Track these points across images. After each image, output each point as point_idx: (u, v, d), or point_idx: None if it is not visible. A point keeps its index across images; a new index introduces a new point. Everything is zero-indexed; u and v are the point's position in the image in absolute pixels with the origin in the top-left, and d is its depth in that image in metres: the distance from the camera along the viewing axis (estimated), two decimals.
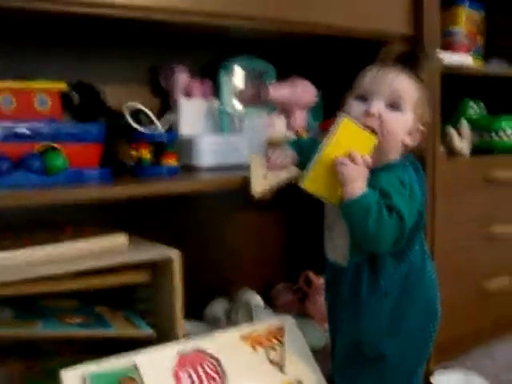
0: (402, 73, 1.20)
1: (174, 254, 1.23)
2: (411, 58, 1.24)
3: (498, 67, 2.11)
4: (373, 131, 1.16)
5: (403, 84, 1.19)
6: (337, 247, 1.24)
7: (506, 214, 1.93)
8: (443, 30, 1.93)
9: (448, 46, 1.97)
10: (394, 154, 1.20)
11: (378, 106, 1.18)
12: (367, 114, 1.17)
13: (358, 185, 1.11)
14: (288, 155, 1.30)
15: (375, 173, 1.16)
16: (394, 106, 1.18)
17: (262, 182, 1.25)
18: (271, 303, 1.70)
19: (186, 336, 1.25)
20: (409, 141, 1.21)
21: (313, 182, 1.15)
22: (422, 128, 1.22)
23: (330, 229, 1.26)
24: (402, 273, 1.19)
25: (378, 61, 1.26)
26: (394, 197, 1.12)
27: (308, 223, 1.90)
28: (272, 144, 1.43)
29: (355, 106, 1.20)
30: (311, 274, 1.70)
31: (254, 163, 1.28)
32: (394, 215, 1.10)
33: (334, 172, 1.13)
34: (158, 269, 1.27)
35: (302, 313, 1.66)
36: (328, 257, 1.28)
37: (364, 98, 1.20)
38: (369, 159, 1.14)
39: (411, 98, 1.19)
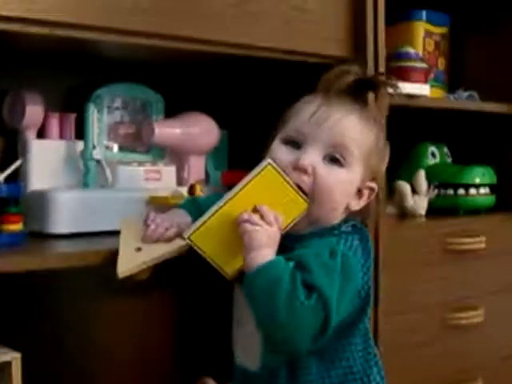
0: (351, 112, 1.23)
1: (14, 357, 1.25)
2: (366, 88, 1.29)
3: (466, 100, 2.20)
4: (303, 192, 1.20)
5: (351, 129, 1.22)
6: (247, 347, 1.26)
7: (473, 295, 2.03)
8: (392, 50, 2.01)
9: (399, 72, 2.05)
10: (330, 220, 1.24)
11: (312, 158, 1.20)
12: (296, 166, 1.20)
13: (266, 252, 1.13)
14: (176, 222, 1.30)
15: (299, 239, 1.19)
16: (336, 159, 1.21)
17: (131, 258, 1.27)
18: None
19: None
20: (354, 204, 1.26)
21: (203, 237, 1.16)
22: (372, 185, 1.27)
23: (239, 323, 1.28)
24: (333, 382, 1.21)
25: (318, 91, 1.30)
26: (315, 272, 1.12)
27: (207, 313, 1.93)
28: (155, 205, 1.47)
29: (282, 154, 1.23)
30: (211, 382, 1.72)
31: (126, 231, 1.31)
32: (313, 296, 1.10)
33: (236, 231, 1.15)
34: None
35: None
36: (236, 360, 1.30)
37: (295, 144, 1.23)
38: (280, 220, 1.17)
39: (361, 148, 1.23)
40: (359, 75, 1.30)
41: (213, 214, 1.16)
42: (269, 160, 1.19)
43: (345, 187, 1.22)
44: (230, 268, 1.17)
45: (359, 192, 1.26)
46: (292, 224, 1.21)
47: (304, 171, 1.19)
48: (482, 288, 2.06)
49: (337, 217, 1.25)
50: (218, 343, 1.89)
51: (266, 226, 1.14)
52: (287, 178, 1.19)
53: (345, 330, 1.20)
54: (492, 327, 2.07)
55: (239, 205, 1.16)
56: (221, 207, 1.16)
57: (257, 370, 1.23)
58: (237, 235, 1.15)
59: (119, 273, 1.24)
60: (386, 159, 1.31)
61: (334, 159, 1.21)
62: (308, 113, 1.24)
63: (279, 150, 1.23)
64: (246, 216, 1.15)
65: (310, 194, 1.20)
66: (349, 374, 1.22)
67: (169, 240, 1.29)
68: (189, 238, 1.17)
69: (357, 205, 1.26)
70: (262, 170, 1.18)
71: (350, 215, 1.28)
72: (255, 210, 1.15)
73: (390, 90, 1.35)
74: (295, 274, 1.11)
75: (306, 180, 1.20)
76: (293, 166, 1.20)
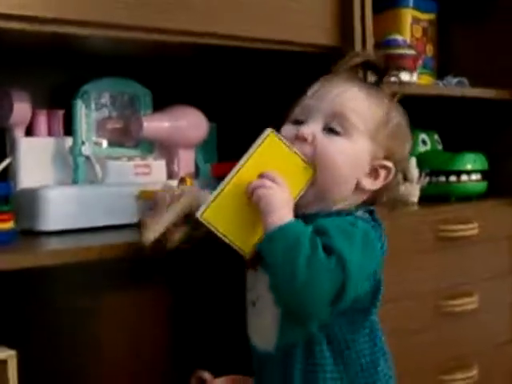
0: (355, 86, 1.26)
1: (9, 355, 1.26)
2: (378, 70, 1.33)
3: (455, 87, 2.22)
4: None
5: (352, 100, 1.24)
6: (262, 327, 1.28)
7: (466, 281, 2.06)
8: (380, 38, 2.02)
9: (386, 59, 2.06)
10: (342, 199, 1.25)
11: (312, 128, 1.23)
12: (296, 136, 1.23)
13: (284, 212, 1.14)
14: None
15: (310, 219, 1.18)
16: (333, 129, 1.23)
17: (154, 227, 1.28)
18: None
19: None
20: (367, 183, 1.26)
21: (215, 214, 1.16)
22: (386, 164, 1.26)
23: (254, 303, 1.30)
24: (347, 370, 1.22)
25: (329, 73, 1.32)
26: (334, 236, 1.12)
27: (201, 308, 1.94)
28: (145, 199, 1.48)
29: (287, 131, 1.25)
30: (206, 375, 1.73)
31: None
32: (332, 258, 1.09)
33: (249, 203, 1.16)
34: None
35: None
36: (252, 341, 1.32)
37: (300, 122, 1.26)
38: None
39: (366, 121, 1.24)
40: (367, 58, 1.35)
41: (222, 190, 1.16)
42: (270, 129, 1.20)
43: (348, 158, 1.23)
44: (245, 245, 1.17)
45: (375, 172, 1.26)
46: (301, 193, 1.21)
47: (304, 140, 1.22)
48: (476, 274, 2.08)
49: (345, 194, 1.25)
50: (213, 337, 1.92)
51: (279, 188, 1.16)
52: (290, 146, 1.21)
53: (358, 314, 1.21)
54: (486, 314, 2.10)
55: (246, 177, 1.17)
56: (228, 182, 1.17)
57: (272, 351, 1.25)
58: (249, 208, 1.16)
59: (144, 241, 1.27)
60: (407, 142, 1.31)
61: (331, 129, 1.23)
62: (312, 91, 1.27)
63: (285, 129, 1.26)
64: (258, 183, 1.16)
65: (313, 164, 1.21)
66: (358, 366, 1.23)
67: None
68: (201, 216, 1.16)
69: (371, 184, 1.26)
70: (264, 139, 1.19)
71: (367, 202, 1.28)
72: (262, 177, 1.17)
73: (393, 78, 1.37)
74: (314, 236, 1.11)
75: (307, 149, 1.22)
76: (294, 137, 1.23)
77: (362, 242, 1.14)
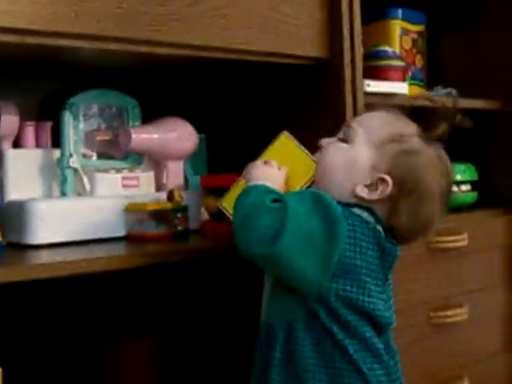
0: (388, 111, 1.37)
1: None
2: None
3: (444, 96, 2.22)
4: None
5: (367, 115, 1.38)
6: (263, 301, 1.34)
7: (457, 293, 2.06)
8: (369, 50, 2.03)
9: (375, 71, 2.07)
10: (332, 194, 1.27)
11: (330, 139, 1.36)
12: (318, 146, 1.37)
13: (262, 183, 1.28)
14: None
15: None
16: (342, 137, 1.35)
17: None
18: None
19: None
20: (363, 191, 1.28)
21: (230, 202, 1.33)
22: (385, 178, 1.27)
23: (264, 284, 1.35)
24: (321, 355, 1.24)
25: None
26: (289, 196, 1.25)
27: (194, 316, 1.94)
28: (133, 212, 1.48)
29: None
30: None
31: None
32: (278, 203, 1.21)
33: None
34: None
35: None
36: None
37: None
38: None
39: (369, 130, 1.31)
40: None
41: (238, 180, 1.37)
42: (285, 131, 1.40)
43: (343, 160, 1.31)
44: None
45: (375, 184, 1.28)
46: (305, 185, 1.35)
47: (320, 148, 1.36)
48: (467, 286, 2.08)
49: (344, 197, 1.28)
50: (204, 351, 1.92)
51: (266, 167, 1.34)
52: (300, 146, 1.38)
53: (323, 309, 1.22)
54: (477, 325, 2.09)
55: None
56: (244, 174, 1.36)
57: (263, 325, 1.31)
58: None
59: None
60: (428, 180, 1.29)
61: (340, 138, 1.34)
62: None
63: None
64: (252, 163, 1.36)
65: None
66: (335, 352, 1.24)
67: None
68: (221, 204, 1.41)
69: (367, 194, 1.28)
70: (278, 138, 1.39)
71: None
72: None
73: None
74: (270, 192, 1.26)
75: (317, 154, 1.36)
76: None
77: (313, 200, 1.23)
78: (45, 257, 1.38)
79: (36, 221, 1.44)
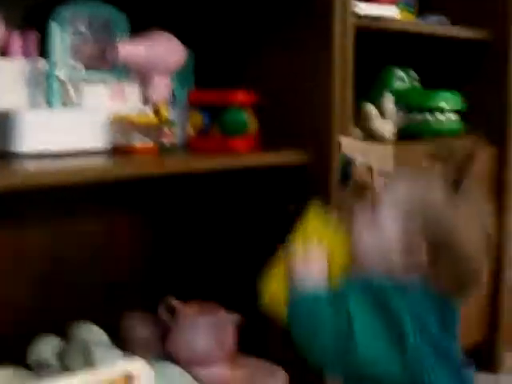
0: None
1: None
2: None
3: (435, 24, 2.22)
4: None
5: (391, 182, 1.36)
6: None
7: None
8: None
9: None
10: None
11: (357, 204, 1.33)
12: None
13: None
14: None
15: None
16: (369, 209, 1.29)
17: None
18: (121, 341, 1.75)
19: None
20: (403, 258, 1.23)
21: (271, 298, 1.28)
22: (420, 248, 1.22)
23: None
24: None
25: None
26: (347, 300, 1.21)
27: (173, 229, 1.97)
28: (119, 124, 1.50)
29: None
30: (175, 302, 1.75)
31: None
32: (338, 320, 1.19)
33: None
34: None
35: (163, 354, 1.72)
36: None
37: None
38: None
39: (397, 201, 1.24)
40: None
41: (272, 270, 1.30)
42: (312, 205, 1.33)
43: (379, 247, 1.25)
44: None
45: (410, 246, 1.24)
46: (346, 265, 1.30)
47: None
48: None
49: (390, 272, 1.25)
50: (181, 260, 1.95)
51: (307, 254, 1.27)
52: (328, 217, 1.32)
53: None
54: None
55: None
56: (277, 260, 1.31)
57: None
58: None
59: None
60: (455, 234, 1.22)
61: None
62: None
63: None
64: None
65: None
66: None
67: None
68: (262, 303, 1.29)
69: (408, 259, 1.23)
70: (307, 214, 1.31)
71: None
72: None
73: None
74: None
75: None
76: None
77: (374, 304, 1.20)
78: (30, 165, 1.39)
79: (22, 130, 1.45)
